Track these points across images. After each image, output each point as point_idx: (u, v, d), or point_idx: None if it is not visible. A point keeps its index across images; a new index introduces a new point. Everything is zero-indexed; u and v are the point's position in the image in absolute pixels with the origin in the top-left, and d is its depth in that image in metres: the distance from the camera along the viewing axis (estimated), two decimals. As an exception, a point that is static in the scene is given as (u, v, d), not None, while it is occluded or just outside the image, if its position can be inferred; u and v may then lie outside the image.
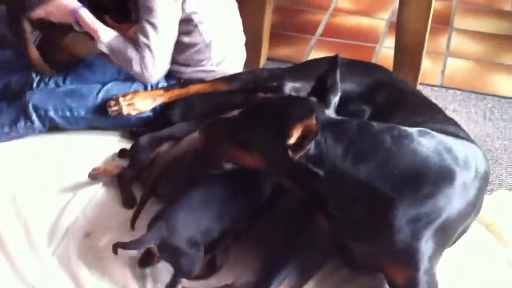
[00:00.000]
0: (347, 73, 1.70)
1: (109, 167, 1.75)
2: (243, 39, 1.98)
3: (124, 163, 1.77)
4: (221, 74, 1.83)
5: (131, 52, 1.73)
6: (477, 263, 1.49)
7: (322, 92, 1.33)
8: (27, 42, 1.86)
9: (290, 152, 1.20)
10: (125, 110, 1.78)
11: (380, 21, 2.64)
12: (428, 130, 1.34)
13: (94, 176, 1.72)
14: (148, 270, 1.44)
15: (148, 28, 1.70)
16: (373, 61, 2.35)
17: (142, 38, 1.71)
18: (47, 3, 1.79)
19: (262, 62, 2.27)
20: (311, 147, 1.21)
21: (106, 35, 1.76)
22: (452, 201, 1.25)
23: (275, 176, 1.41)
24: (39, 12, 1.81)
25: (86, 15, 1.77)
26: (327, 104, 1.31)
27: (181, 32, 1.77)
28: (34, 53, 1.87)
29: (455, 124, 1.52)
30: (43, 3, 1.79)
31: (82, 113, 1.83)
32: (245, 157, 1.33)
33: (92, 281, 1.42)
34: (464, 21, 2.64)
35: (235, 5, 1.91)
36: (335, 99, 1.33)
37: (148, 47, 1.71)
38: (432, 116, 1.53)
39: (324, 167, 1.22)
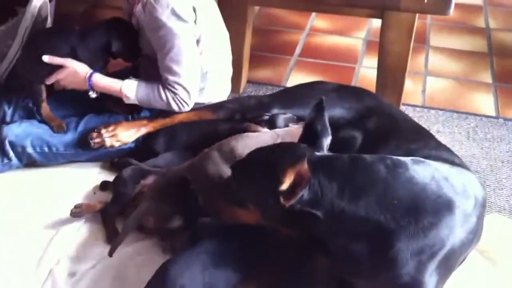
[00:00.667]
0: (336, 98, 1.70)
1: (92, 203, 1.68)
2: (231, 70, 1.95)
3: (107, 196, 1.71)
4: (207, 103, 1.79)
5: (163, 94, 1.69)
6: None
7: (312, 136, 1.32)
8: (42, 102, 1.81)
9: (282, 199, 1.17)
10: (108, 142, 1.71)
11: (357, 40, 2.64)
12: (421, 159, 1.32)
13: (77, 214, 1.64)
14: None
15: (173, 66, 1.65)
16: (353, 81, 2.34)
17: (170, 77, 1.66)
18: (61, 71, 1.74)
19: (243, 85, 2.24)
20: (305, 192, 1.18)
21: (129, 90, 1.71)
22: (454, 231, 1.23)
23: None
24: (53, 79, 1.77)
25: (100, 79, 1.73)
26: (319, 148, 1.30)
27: None
28: (46, 110, 1.81)
29: (448, 150, 1.50)
30: (56, 71, 1.75)
31: (61, 149, 1.76)
32: (243, 214, 1.31)
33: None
34: (439, 39, 2.66)
35: (228, 36, 1.88)
36: (327, 142, 1.32)
37: (179, 84, 1.66)
38: (426, 142, 1.52)
39: (322, 208, 1.19)
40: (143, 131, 1.75)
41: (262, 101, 1.72)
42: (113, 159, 1.82)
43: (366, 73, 2.37)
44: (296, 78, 2.35)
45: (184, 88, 1.67)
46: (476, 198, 1.30)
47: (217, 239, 1.41)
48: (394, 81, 2.03)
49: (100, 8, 2.83)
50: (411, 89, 2.28)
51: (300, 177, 1.15)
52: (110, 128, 1.71)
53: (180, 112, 1.72)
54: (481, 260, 1.55)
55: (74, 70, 1.73)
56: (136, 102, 1.73)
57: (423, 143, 1.50)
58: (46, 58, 1.73)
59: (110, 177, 1.76)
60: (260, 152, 1.30)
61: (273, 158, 1.23)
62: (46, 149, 1.76)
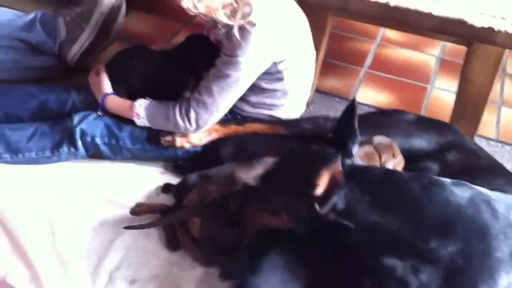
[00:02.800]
0: (416, 129, 1.64)
1: (153, 204, 1.66)
2: (310, 89, 1.89)
3: (169, 199, 1.69)
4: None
5: (172, 108, 1.63)
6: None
7: (341, 141, 1.26)
8: None
9: (317, 206, 1.14)
10: (179, 142, 1.67)
11: (430, 57, 2.54)
12: (464, 182, 1.25)
13: (137, 213, 1.62)
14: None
15: (214, 90, 1.58)
16: (424, 102, 2.26)
17: (201, 96, 1.60)
18: (94, 76, 1.77)
19: (311, 94, 2.18)
20: (338, 200, 1.15)
21: (141, 108, 1.67)
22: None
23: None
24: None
25: (114, 99, 1.72)
26: (348, 154, 1.25)
27: (262, 78, 1.65)
28: None
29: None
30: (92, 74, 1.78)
31: (129, 143, 1.73)
32: (274, 221, 1.27)
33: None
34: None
35: (314, 55, 1.81)
36: (355, 148, 1.27)
37: (206, 106, 1.60)
38: (509, 179, 1.45)
39: (353, 220, 1.16)
40: (213, 135, 1.71)
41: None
42: (177, 161, 1.78)
43: (438, 95, 2.29)
44: (364, 92, 2.29)
45: (199, 114, 1.60)
46: None
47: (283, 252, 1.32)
48: (472, 112, 1.94)
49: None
50: (484, 119, 2.18)
51: (334, 179, 1.13)
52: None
53: (180, 130, 1.65)
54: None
55: (101, 85, 1.74)
56: (146, 122, 1.68)
57: (504, 181, 1.44)
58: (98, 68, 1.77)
59: (172, 179, 1.73)
60: (289, 158, 1.27)
61: (304, 162, 1.20)
62: (113, 141, 1.73)
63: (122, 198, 1.67)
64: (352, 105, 1.28)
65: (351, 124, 1.27)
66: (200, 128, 1.63)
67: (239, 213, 1.39)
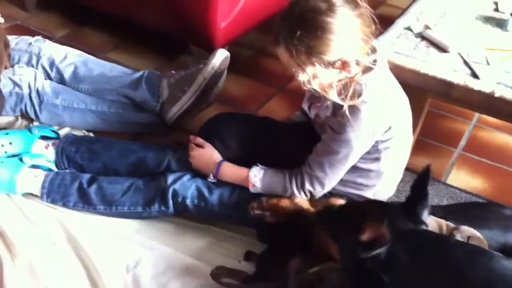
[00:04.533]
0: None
1: (234, 270, 1.66)
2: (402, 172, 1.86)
3: (250, 268, 1.68)
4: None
5: (289, 181, 1.66)
6: None
7: (411, 203, 1.33)
8: None
9: (359, 249, 1.22)
10: (268, 215, 1.67)
11: (528, 144, 2.44)
12: None
13: (217, 277, 1.64)
14: None
15: (326, 166, 1.60)
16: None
17: (313, 171, 1.62)
18: (197, 149, 1.80)
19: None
20: (382, 253, 1.21)
21: (256, 177, 1.70)
22: None
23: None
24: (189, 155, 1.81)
25: (228, 167, 1.76)
26: (414, 217, 1.30)
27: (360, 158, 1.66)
28: None
29: None
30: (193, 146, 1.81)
31: (217, 207, 1.76)
32: (330, 247, 1.38)
33: None
34: None
35: (411, 140, 1.80)
36: (423, 213, 1.32)
37: (319, 181, 1.63)
38: None
39: (390, 274, 1.21)
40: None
41: (434, 213, 1.62)
42: (261, 229, 1.78)
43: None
44: (457, 175, 2.21)
45: (314, 188, 1.63)
46: None
47: None
48: None
49: (264, 55, 2.86)
50: None
51: (380, 235, 1.19)
52: (272, 201, 1.67)
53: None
54: None
55: (210, 155, 1.77)
56: (260, 191, 1.70)
57: None
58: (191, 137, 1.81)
59: (254, 247, 1.74)
60: (359, 201, 1.46)
61: (365, 210, 1.32)
62: (202, 204, 1.76)
63: (203, 260, 1.70)
64: (425, 172, 1.34)
65: (423, 191, 1.31)
66: (315, 197, 1.67)
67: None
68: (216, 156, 1.78)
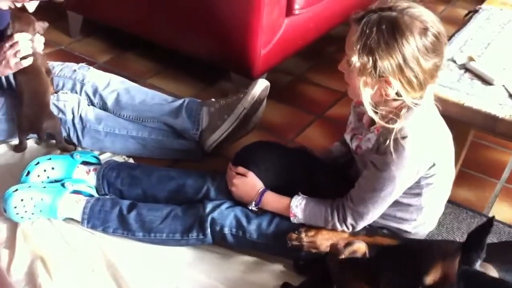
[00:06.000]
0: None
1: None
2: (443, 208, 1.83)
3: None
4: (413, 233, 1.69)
5: (331, 215, 1.65)
6: None
7: (469, 248, 1.27)
8: None
9: None
10: (306, 247, 1.67)
11: None
12: None
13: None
14: None
15: (368, 202, 1.59)
16: None
17: (356, 207, 1.61)
18: (239, 177, 1.79)
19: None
20: None
21: (298, 208, 1.69)
22: None
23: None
24: (230, 183, 1.81)
25: (271, 196, 1.75)
26: (469, 261, 1.24)
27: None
28: None
29: None
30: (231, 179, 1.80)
31: (254, 236, 1.75)
32: None
33: None
34: None
35: (453, 175, 1.77)
36: (478, 260, 1.26)
37: (360, 216, 1.62)
38: None
39: None
40: (340, 244, 1.68)
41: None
42: (299, 261, 1.77)
43: None
44: (499, 208, 2.15)
45: (356, 222, 1.63)
46: None
47: None
48: None
49: (303, 82, 2.86)
50: None
51: (447, 275, 1.14)
52: (311, 233, 1.67)
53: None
54: None
55: (253, 183, 1.77)
56: (302, 221, 1.69)
57: None
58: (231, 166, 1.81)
59: (292, 279, 1.72)
60: (409, 242, 1.40)
61: (423, 249, 1.25)
62: (240, 233, 1.76)
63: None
64: (489, 223, 1.28)
65: (482, 240, 1.26)
66: (356, 230, 1.66)
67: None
68: (259, 185, 1.77)
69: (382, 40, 1.42)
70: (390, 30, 1.42)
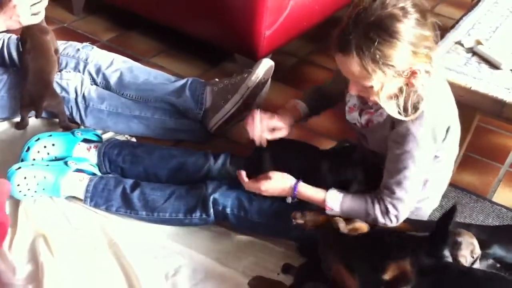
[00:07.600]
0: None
1: (271, 281, 1.66)
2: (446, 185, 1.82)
3: (288, 280, 1.67)
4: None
5: (372, 210, 1.58)
6: None
7: (434, 238, 1.34)
8: None
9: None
10: (308, 226, 1.64)
11: None
12: None
13: (253, 286, 1.63)
14: None
15: (396, 188, 1.55)
16: None
17: (389, 197, 1.56)
18: (267, 181, 1.68)
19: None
20: None
21: (334, 202, 1.62)
22: None
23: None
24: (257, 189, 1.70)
25: (304, 188, 1.66)
26: (436, 252, 1.31)
27: None
28: None
29: None
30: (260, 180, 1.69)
31: (255, 216, 1.75)
32: (346, 277, 1.37)
33: None
34: None
35: (457, 152, 1.75)
36: (446, 248, 1.33)
37: (395, 206, 1.56)
38: None
39: None
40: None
41: (479, 237, 1.56)
42: (301, 242, 1.77)
43: None
44: (503, 192, 2.15)
45: (398, 210, 1.56)
46: None
47: None
48: None
49: (307, 64, 2.84)
50: None
51: (403, 274, 1.22)
52: (315, 217, 1.65)
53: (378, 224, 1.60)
54: None
55: (283, 181, 1.68)
56: (339, 214, 1.63)
57: None
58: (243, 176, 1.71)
59: (293, 260, 1.73)
60: (379, 237, 1.42)
61: (387, 247, 1.34)
62: (242, 213, 1.76)
63: (241, 270, 1.70)
64: (452, 210, 1.33)
65: (447, 228, 1.32)
66: (399, 222, 1.60)
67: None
68: (289, 180, 1.68)
69: (383, 46, 1.39)
70: (380, 33, 1.39)
